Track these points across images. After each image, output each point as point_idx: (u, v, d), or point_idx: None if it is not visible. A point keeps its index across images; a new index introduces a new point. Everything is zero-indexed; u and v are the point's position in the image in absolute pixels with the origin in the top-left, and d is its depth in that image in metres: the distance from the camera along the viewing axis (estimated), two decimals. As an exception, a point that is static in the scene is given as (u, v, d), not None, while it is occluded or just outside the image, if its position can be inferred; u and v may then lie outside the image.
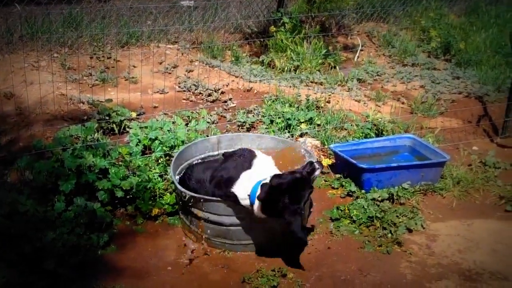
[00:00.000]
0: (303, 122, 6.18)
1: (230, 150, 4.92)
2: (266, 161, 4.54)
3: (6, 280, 3.84)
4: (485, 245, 4.63)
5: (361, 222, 4.75)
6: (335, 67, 8.30)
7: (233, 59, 8.36)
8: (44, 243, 4.08)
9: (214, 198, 4.30)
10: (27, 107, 6.08)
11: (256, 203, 4.00)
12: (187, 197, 4.34)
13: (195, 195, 4.33)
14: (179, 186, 4.42)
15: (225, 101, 6.87)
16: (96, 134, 5.41)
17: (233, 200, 4.17)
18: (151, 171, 4.92)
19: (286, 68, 8.00)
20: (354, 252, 4.47)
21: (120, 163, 4.94)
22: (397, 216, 4.79)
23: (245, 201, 4.10)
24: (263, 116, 6.31)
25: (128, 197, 4.71)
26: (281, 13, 8.50)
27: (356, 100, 7.16)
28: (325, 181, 5.43)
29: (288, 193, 3.96)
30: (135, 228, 4.64)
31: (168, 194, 4.79)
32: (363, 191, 5.14)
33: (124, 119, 5.90)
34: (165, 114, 6.19)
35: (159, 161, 5.14)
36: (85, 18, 8.28)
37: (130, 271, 4.17)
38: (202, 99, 6.90)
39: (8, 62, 6.68)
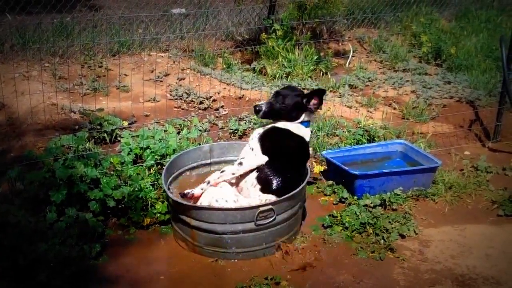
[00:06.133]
0: (295, 129, 6.16)
1: None
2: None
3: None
4: (478, 250, 4.64)
5: (353, 229, 4.75)
6: (326, 73, 8.31)
7: (224, 66, 8.35)
8: (37, 255, 4.05)
9: (205, 206, 4.31)
10: (18, 117, 6.06)
11: None
12: (175, 205, 4.35)
13: (186, 203, 4.33)
14: (170, 195, 4.41)
15: (217, 109, 6.87)
16: (87, 144, 5.40)
17: None
18: (143, 180, 4.91)
19: (277, 75, 8.00)
20: (347, 259, 4.47)
21: (112, 172, 4.92)
22: (389, 222, 4.79)
23: None
24: (254, 124, 6.30)
25: (120, 206, 4.70)
26: (272, 20, 8.51)
27: (347, 106, 7.17)
28: (317, 187, 5.43)
29: None
30: (127, 237, 4.63)
31: (160, 203, 4.77)
32: (355, 197, 5.15)
33: (116, 128, 5.88)
34: (156, 122, 6.18)
35: (151, 170, 5.14)
36: (76, 27, 8.28)
37: (123, 281, 4.15)
38: (194, 107, 6.90)
39: (-2, 72, 6.67)
